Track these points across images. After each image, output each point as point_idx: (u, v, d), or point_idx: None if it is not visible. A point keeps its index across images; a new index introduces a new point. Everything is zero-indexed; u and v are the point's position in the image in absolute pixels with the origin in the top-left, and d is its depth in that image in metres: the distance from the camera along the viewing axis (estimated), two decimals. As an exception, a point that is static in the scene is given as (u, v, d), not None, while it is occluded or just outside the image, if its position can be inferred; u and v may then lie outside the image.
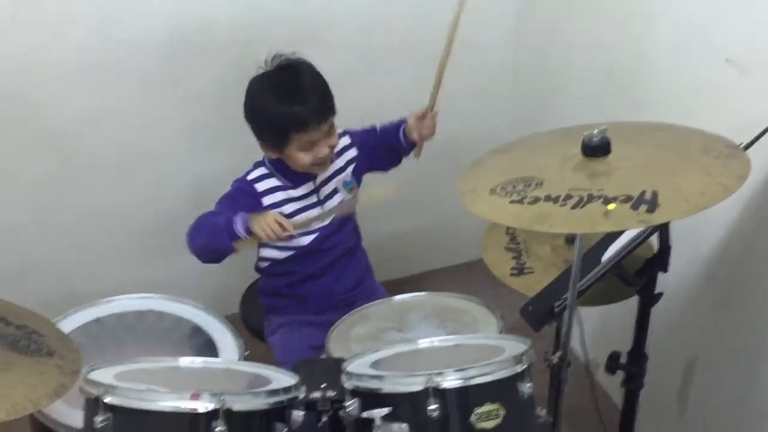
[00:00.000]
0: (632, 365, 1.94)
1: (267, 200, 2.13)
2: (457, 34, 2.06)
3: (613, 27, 2.34)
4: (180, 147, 2.73)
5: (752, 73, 1.82)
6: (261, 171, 2.16)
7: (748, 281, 1.96)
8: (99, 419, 1.39)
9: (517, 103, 3.05)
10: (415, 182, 2.69)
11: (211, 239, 2.02)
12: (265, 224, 1.96)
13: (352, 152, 2.27)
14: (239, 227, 1.98)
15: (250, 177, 2.16)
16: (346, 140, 2.26)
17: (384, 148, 2.30)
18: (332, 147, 2.12)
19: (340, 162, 2.24)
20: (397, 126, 2.28)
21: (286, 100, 2.01)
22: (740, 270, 1.99)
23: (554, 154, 1.55)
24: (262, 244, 2.17)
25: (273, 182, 2.15)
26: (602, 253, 1.77)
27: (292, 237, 2.02)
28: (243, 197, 2.13)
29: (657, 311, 1.93)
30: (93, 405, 1.41)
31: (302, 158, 2.06)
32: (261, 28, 2.59)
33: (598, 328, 2.60)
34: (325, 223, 2.18)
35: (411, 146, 2.26)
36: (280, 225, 1.97)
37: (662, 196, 1.32)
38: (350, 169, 2.26)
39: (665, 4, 2.11)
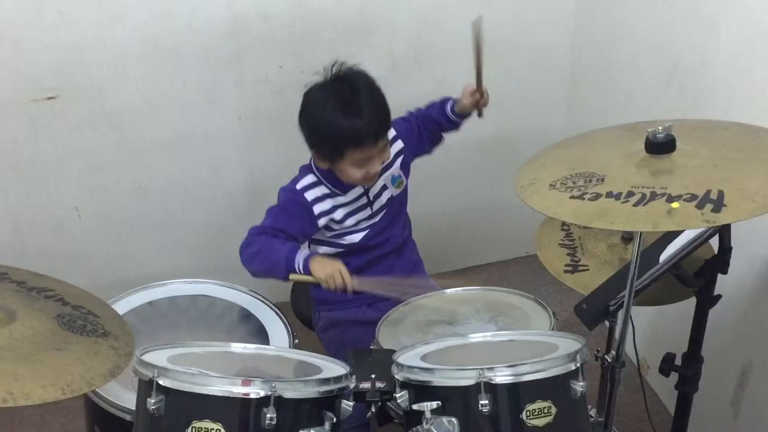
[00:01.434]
0: (687, 368, 1.91)
1: (318, 208, 2.10)
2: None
3: (676, 25, 2.30)
4: (237, 132, 2.75)
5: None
6: (310, 179, 2.12)
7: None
8: (152, 401, 1.40)
9: (574, 101, 3.02)
10: (469, 177, 2.70)
11: (269, 270, 2.01)
12: (330, 274, 1.95)
13: (398, 144, 2.24)
14: (300, 266, 1.97)
15: (299, 186, 2.12)
16: (391, 132, 2.20)
17: (428, 130, 2.30)
18: (384, 162, 2.09)
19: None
20: (441, 109, 2.27)
21: (344, 113, 1.97)
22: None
23: (616, 151, 1.52)
24: (312, 240, 2.19)
25: (322, 190, 2.11)
26: (660, 253, 1.74)
27: (345, 292, 1.98)
28: (295, 207, 2.10)
29: (713, 313, 1.90)
30: (146, 387, 1.43)
31: (354, 174, 2.03)
32: (319, 17, 2.60)
33: (650, 328, 2.56)
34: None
35: (462, 120, 2.27)
36: (343, 280, 1.95)
37: (728, 196, 1.29)
38: (398, 162, 2.23)
39: (730, 2, 2.06)
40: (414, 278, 2.17)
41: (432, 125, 2.30)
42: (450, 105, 2.26)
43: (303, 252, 1.99)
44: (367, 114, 1.96)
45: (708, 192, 1.30)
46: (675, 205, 1.29)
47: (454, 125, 2.29)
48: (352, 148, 1.98)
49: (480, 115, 2.26)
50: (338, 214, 2.12)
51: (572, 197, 1.40)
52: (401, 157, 2.24)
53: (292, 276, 1.98)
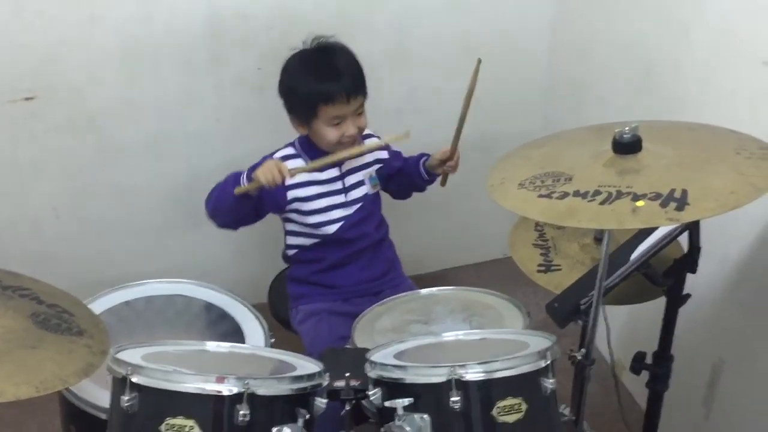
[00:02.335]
0: (657, 366, 1.94)
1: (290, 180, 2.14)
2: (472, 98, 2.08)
3: (649, 28, 2.33)
4: (216, 132, 2.76)
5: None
6: (289, 150, 2.21)
7: (778, 285, 1.95)
8: (125, 398, 1.41)
9: (550, 102, 3.05)
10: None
11: (221, 195, 2.10)
12: (266, 169, 2.01)
13: (383, 154, 2.31)
14: (243, 178, 2.06)
15: (277, 155, 2.20)
16: (379, 142, 2.28)
17: (404, 174, 2.35)
18: (361, 129, 2.15)
19: (369, 157, 2.27)
20: (417, 161, 2.33)
21: (318, 72, 2.07)
22: (771, 274, 1.97)
23: (585, 151, 1.55)
24: (288, 232, 2.22)
25: (299, 162, 2.18)
26: (631, 252, 1.76)
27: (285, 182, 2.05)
28: None
29: (685, 312, 1.92)
30: (120, 384, 1.44)
31: (329, 134, 2.10)
32: (299, 17, 2.62)
33: (626, 328, 2.58)
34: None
35: (431, 180, 2.33)
36: (279, 170, 2.01)
37: (692, 195, 1.31)
38: (377, 167, 2.30)
39: (701, 6, 2.09)
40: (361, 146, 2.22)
41: (405, 169, 2.35)
42: (424, 159, 2.32)
43: (250, 168, 2.08)
44: (341, 72, 2.07)
45: (672, 191, 1.33)
46: (640, 203, 1.32)
47: (422, 180, 2.34)
48: (324, 104, 2.05)
49: (443, 182, 2.29)
50: (311, 190, 2.18)
51: (540, 196, 1.42)
52: (380, 165, 2.30)
53: (237, 190, 2.05)
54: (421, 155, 2.34)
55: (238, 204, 2.08)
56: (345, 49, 2.16)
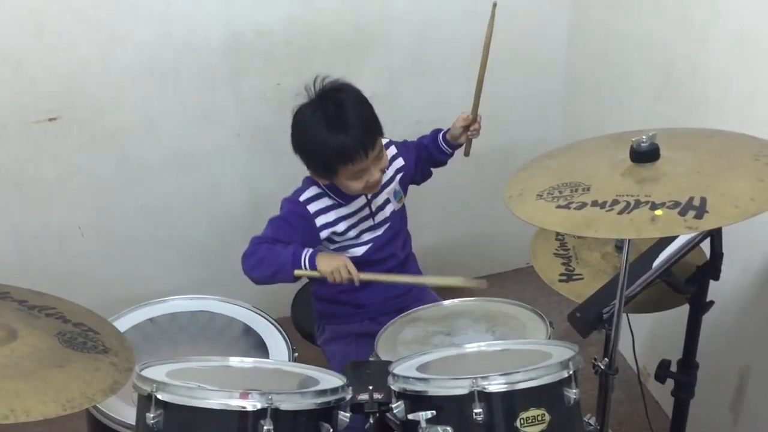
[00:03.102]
0: (682, 374, 1.93)
1: (320, 220, 2.12)
2: (490, 46, 2.08)
3: (668, 34, 2.33)
4: (236, 149, 2.79)
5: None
6: (313, 191, 2.14)
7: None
8: (151, 415, 1.42)
9: (569, 111, 3.05)
10: (467, 189, 2.72)
11: (276, 273, 2.02)
12: (335, 268, 1.97)
13: (400, 161, 2.27)
14: (306, 263, 1.99)
15: (302, 198, 2.13)
16: (392, 150, 2.26)
17: (423, 160, 2.33)
18: (383, 169, 2.10)
19: (389, 172, 2.23)
20: (434, 138, 2.31)
21: (330, 131, 1.98)
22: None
23: (602, 160, 1.54)
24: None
25: (325, 202, 2.13)
26: (653, 260, 1.76)
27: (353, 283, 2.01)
28: (297, 220, 2.11)
29: (710, 320, 1.91)
30: (145, 401, 1.45)
31: (353, 186, 2.05)
32: (316, 32, 2.64)
33: (650, 336, 2.57)
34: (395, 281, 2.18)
35: (453, 151, 2.31)
36: (349, 272, 1.98)
37: (711, 203, 1.31)
38: (398, 178, 2.26)
39: (720, 11, 2.09)
40: (419, 276, 2.21)
41: (425, 153, 2.33)
42: (441, 134, 2.30)
43: (308, 250, 2.01)
44: (353, 128, 1.97)
45: (691, 199, 1.32)
46: (658, 212, 1.31)
47: (444, 155, 2.32)
48: (343, 164, 1.99)
49: (467, 152, 2.29)
50: (341, 227, 2.14)
51: (558, 207, 1.42)
52: (401, 174, 2.27)
53: (297, 272, 1.99)
54: (437, 131, 2.31)
55: (292, 282, 2.05)
56: (352, 92, 2.06)
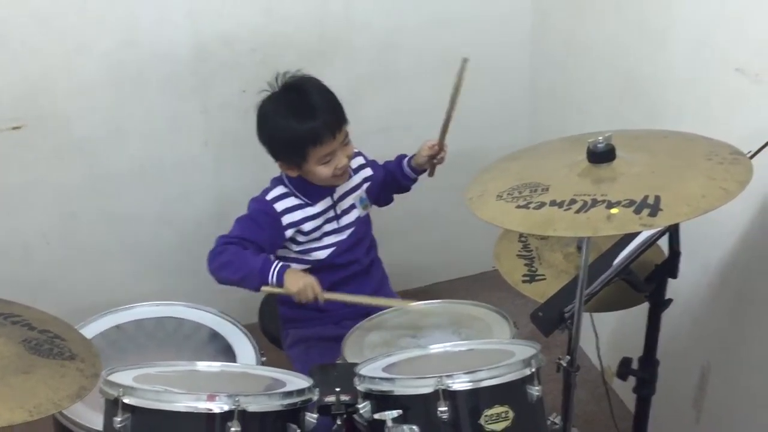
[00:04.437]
0: (643, 371, 1.96)
1: (286, 219, 2.14)
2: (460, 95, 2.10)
3: (629, 38, 2.37)
4: (203, 158, 2.79)
5: (763, 82, 1.84)
6: (280, 190, 2.17)
7: (760, 289, 1.97)
8: (118, 419, 1.43)
9: (535, 114, 3.08)
10: (433, 193, 2.74)
11: (242, 279, 2.05)
12: (301, 288, 2.00)
13: (368, 171, 2.32)
14: (273, 279, 2.02)
15: (269, 197, 2.17)
16: (360, 159, 2.31)
17: (388, 184, 2.37)
18: (350, 156, 2.14)
19: (356, 179, 2.28)
20: (398, 163, 2.36)
21: (298, 117, 2.03)
22: (752, 277, 2.00)
23: (561, 161, 1.57)
24: (278, 257, 2.21)
25: (292, 201, 2.16)
26: (613, 259, 1.79)
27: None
28: (264, 218, 2.14)
29: (671, 318, 1.95)
30: (112, 406, 1.46)
31: (322, 171, 2.08)
32: (281, 40, 2.65)
33: (614, 337, 2.61)
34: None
35: (417, 177, 2.36)
36: (314, 293, 2.01)
37: (665, 201, 1.34)
38: (365, 186, 2.30)
39: (678, 18, 2.13)
40: (382, 298, 2.21)
41: (389, 177, 2.37)
42: (406, 160, 2.34)
43: (276, 264, 2.03)
44: (321, 112, 2.03)
45: (645, 197, 1.35)
46: (614, 210, 1.35)
47: (409, 180, 2.37)
48: (312, 146, 2.03)
49: (431, 173, 2.32)
50: (306, 226, 2.17)
51: (518, 207, 1.45)
52: (368, 183, 2.31)
53: (264, 288, 2.02)
54: (401, 156, 2.35)
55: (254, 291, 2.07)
56: (315, 82, 2.12)
